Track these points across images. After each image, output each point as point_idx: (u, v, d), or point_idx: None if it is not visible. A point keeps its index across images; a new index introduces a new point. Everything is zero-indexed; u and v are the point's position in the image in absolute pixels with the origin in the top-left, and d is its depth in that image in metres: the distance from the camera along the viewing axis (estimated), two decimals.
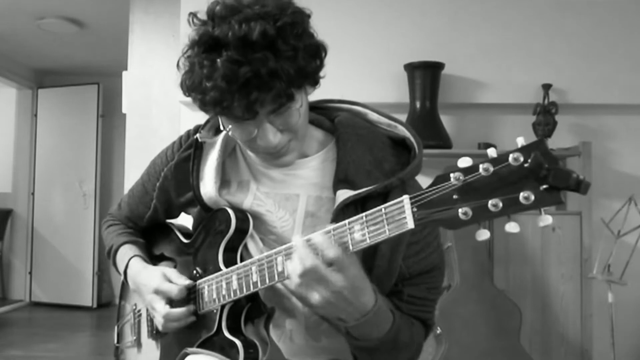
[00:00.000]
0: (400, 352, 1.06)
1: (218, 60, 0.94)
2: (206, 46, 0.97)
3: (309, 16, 1.01)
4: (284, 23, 0.95)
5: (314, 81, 1.04)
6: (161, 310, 1.14)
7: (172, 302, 1.15)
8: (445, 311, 2.40)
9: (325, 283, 0.90)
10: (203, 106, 1.01)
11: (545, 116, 2.73)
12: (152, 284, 1.17)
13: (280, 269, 0.98)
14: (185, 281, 1.15)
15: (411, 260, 1.08)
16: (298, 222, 1.12)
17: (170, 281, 1.16)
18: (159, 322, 1.16)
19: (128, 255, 1.29)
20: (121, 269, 1.30)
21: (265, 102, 0.96)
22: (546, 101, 2.76)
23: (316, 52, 1.01)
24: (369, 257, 1.02)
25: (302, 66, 0.97)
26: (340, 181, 1.07)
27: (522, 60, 2.89)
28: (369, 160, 1.08)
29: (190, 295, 1.17)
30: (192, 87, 0.99)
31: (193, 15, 1.00)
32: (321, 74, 1.05)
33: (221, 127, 1.07)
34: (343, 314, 0.95)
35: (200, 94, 0.98)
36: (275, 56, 0.94)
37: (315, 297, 0.91)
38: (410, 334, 1.08)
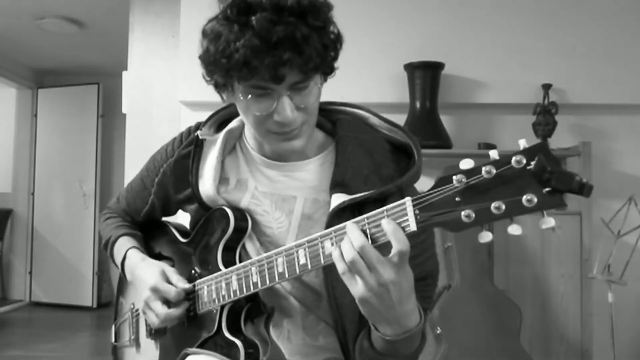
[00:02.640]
0: None
1: (253, 18, 0.94)
2: (239, 8, 0.96)
3: (332, 8, 1.04)
4: (313, 0, 0.98)
5: (331, 69, 1.05)
6: (160, 311, 1.14)
7: (168, 303, 1.15)
8: (445, 311, 2.40)
9: (374, 271, 0.85)
10: (225, 73, 0.99)
11: (545, 116, 2.73)
12: (150, 281, 1.16)
13: (280, 269, 0.98)
14: (184, 284, 1.14)
15: None
16: (294, 224, 1.12)
17: (169, 281, 1.16)
18: (153, 321, 1.16)
19: (126, 247, 1.28)
20: (118, 260, 1.29)
21: (294, 66, 0.96)
22: (546, 101, 2.76)
23: (337, 39, 1.03)
24: None
25: (326, 44, 0.99)
26: (336, 184, 1.07)
27: (522, 60, 2.89)
28: (368, 164, 1.08)
29: (190, 296, 1.16)
30: (216, 52, 0.98)
31: None
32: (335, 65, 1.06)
33: (240, 97, 1.04)
34: (383, 320, 0.91)
35: (226, 58, 0.97)
36: (306, 25, 0.96)
37: (359, 284, 0.86)
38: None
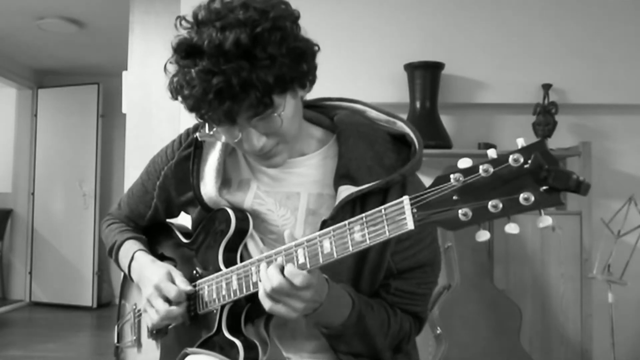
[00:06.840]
0: (375, 337, 1.07)
1: (192, 70, 0.95)
2: (184, 54, 0.98)
3: (297, 18, 1.00)
4: (262, 29, 0.93)
5: (302, 84, 1.03)
6: (160, 307, 1.13)
7: (169, 303, 1.15)
8: (445, 311, 2.40)
9: (296, 297, 0.94)
10: (187, 109, 1.02)
11: (545, 116, 2.73)
12: (154, 279, 1.16)
13: None
14: (186, 287, 1.14)
15: (399, 256, 1.08)
16: (300, 220, 1.12)
17: (172, 282, 1.15)
18: (152, 317, 1.16)
19: (133, 249, 1.28)
20: (125, 263, 1.28)
21: (240, 111, 0.97)
22: (546, 101, 2.76)
23: (301, 56, 0.99)
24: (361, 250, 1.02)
25: (281, 73, 0.95)
26: (342, 177, 1.08)
27: (522, 60, 2.89)
28: (370, 156, 1.09)
29: (190, 296, 1.17)
30: (175, 90, 1.01)
31: (181, 18, 1.02)
32: (316, 74, 1.04)
33: (206, 130, 1.07)
34: (323, 315, 1.01)
35: (182, 98, 1.00)
36: (250, 65, 0.93)
37: (289, 311, 0.96)
38: (382, 320, 1.08)
